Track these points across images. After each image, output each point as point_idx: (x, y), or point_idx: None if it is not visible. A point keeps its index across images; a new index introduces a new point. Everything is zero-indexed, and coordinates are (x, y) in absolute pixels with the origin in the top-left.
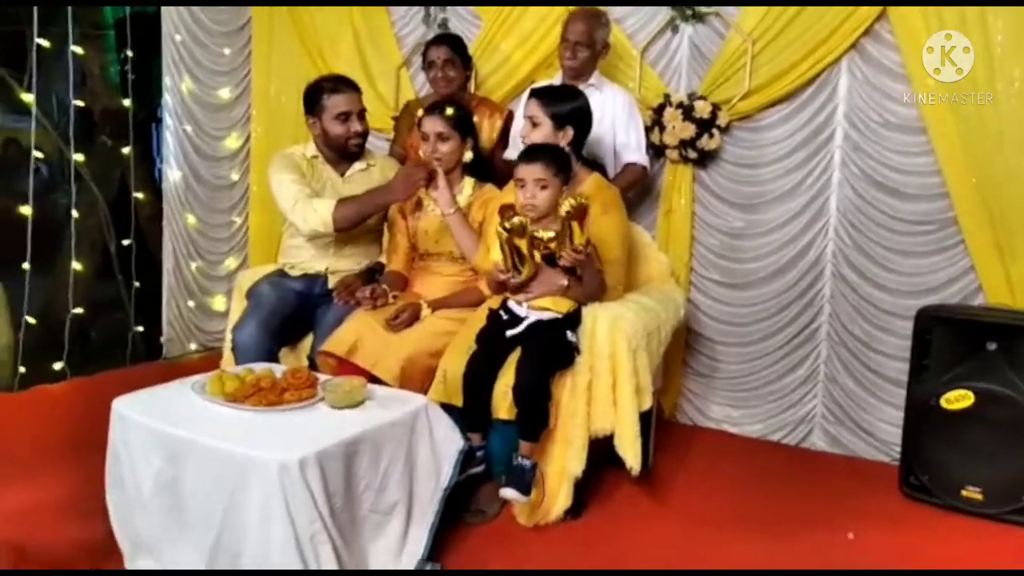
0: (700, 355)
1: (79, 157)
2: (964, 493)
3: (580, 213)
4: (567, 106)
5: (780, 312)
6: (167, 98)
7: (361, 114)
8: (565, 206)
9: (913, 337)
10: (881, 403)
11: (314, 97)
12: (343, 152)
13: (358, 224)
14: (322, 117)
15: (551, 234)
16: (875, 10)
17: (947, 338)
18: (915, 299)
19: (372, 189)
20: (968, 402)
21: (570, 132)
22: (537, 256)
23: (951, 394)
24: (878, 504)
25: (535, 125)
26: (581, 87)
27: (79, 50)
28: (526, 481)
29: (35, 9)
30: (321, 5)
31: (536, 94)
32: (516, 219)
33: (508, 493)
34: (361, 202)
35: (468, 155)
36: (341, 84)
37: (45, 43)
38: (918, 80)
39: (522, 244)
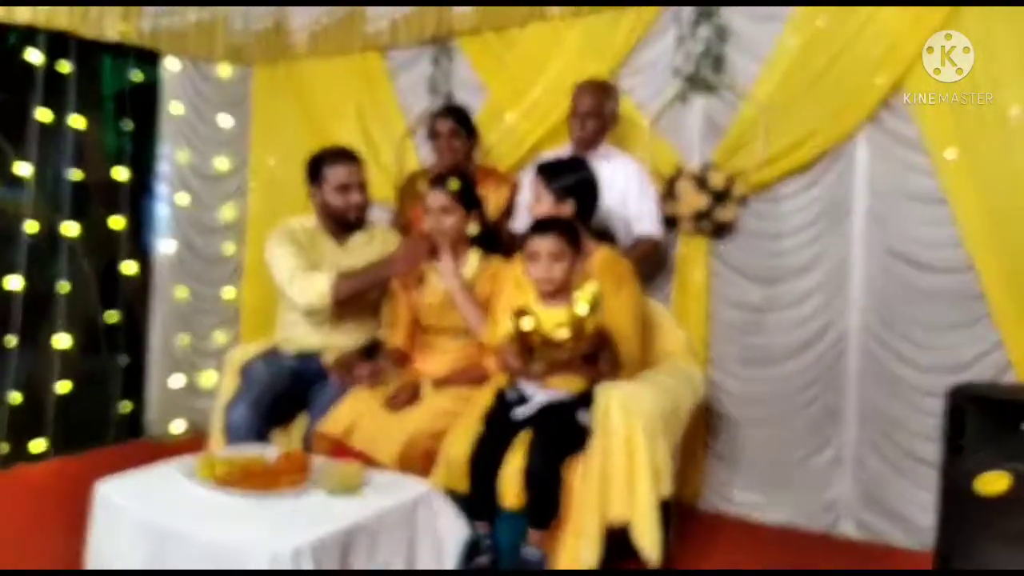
0: (721, 436)
1: (72, 229)
2: None
3: (596, 308)
4: (570, 179)
5: (804, 390)
6: (163, 168)
7: (361, 186)
8: (582, 306)
9: (946, 416)
10: (914, 486)
11: (315, 168)
12: (343, 223)
13: (356, 296)
14: (323, 188)
15: (566, 332)
16: (890, 81)
17: (980, 418)
18: (944, 376)
19: (373, 263)
20: (1005, 485)
21: (570, 205)
22: (553, 353)
23: (987, 477)
24: None
25: (537, 200)
26: (590, 158)
27: (78, 122)
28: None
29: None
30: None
31: (540, 168)
32: (525, 323)
33: None
34: (361, 276)
35: (473, 228)
36: (341, 156)
37: (46, 115)
38: (936, 151)
39: (535, 342)
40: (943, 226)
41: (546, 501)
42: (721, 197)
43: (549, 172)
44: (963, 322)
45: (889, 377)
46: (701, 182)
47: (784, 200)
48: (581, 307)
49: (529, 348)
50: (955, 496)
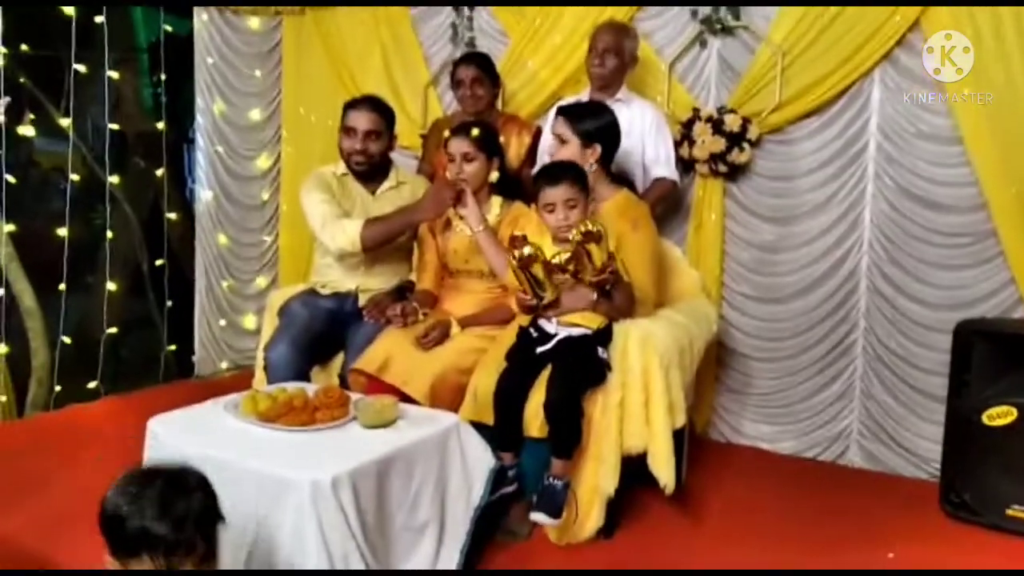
0: (733, 371)
1: (113, 179)
2: (1009, 512)
3: (593, 238)
4: (595, 123)
5: (814, 327)
6: (199, 120)
7: (368, 134)
8: (576, 234)
9: (952, 352)
10: (919, 419)
11: (343, 116)
12: (356, 172)
13: (386, 243)
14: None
15: (566, 255)
16: (908, 20)
17: (988, 352)
18: (953, 312)
19: (401, 208)
20: (1011, 418)
21: (598, 149)
22: (559, 278)
23: (993, 410)
24: (918, 523)
25: (563, 143)
26: (609, 102)
27: (114, 74)
28: (557, 503)
29: (72, 34)
30: (352, 5)
31: (563, 112)
32: (526, 249)
33: (538, 517)
34: (389, 221)
35: (494, 175)
36: (360, 102)
37: (81, 68)
38: (953, 89)
39: (537, 270)
40: (956, 166)
41: (568, 431)
42: (736, 139)
43: (575, 115)
44: (974, 261)
45: (898, 314)
46: (717, 125)
47: (799, 141)
48: (576, 235)
49: (536, 280)
50: (961, 428)
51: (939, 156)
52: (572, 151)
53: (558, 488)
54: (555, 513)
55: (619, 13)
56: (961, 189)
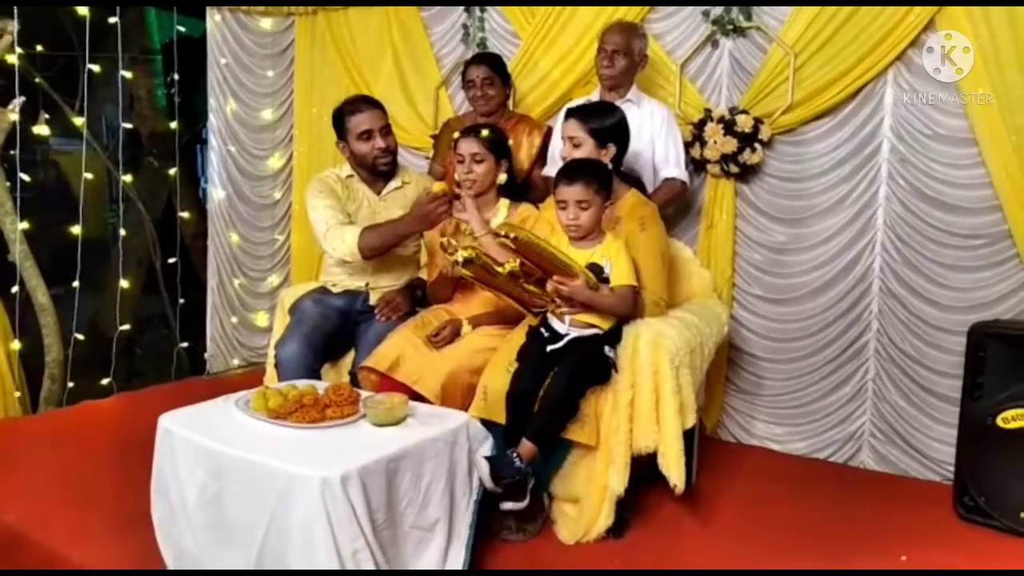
0: (743, 372)
1: (127, 178)
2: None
3: (517, 246)
4: (607, 122)
5: (826, 328)
6: (212, 119)
7: (384, 130)
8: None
9: (966, 354)
10: (932, 421)
11: (339, 121)
12: (374, 171)
13: (384, 253)
14: (348, 139)
15: (517, 262)
16: (922, 20)
17: (1002, 355)
18: (967, 315)
19: (394, 220)
20: None
21: (612, 149)
22: (530, 288)
23: (1008, 413)
24: (931, 526)
25: (576, 146)
26: (619, 103)
27: (128, 74)
28: (508, 472)
29: (87, 35)
30: (364, 5)
31: (574, 113)
32: (460, 253)
33: (507, 505)
34: (383, 232)
35: (503, 177)
36: (361, 103)
37: (96, 68)
38: (967, 90)
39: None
40: (970, 167)
41: (552, 421)
42: (748, 140)
43: (586, 116)
44: (988, 263)
45: (911, 316)
46: (729, 126)
47: (811, 142)
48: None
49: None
50: (975, 431)
51: (953, 157)
52: (587, 152)
53: (517, 465)
54: (504, 477)
55: (630, 13)
56: (975, 191)
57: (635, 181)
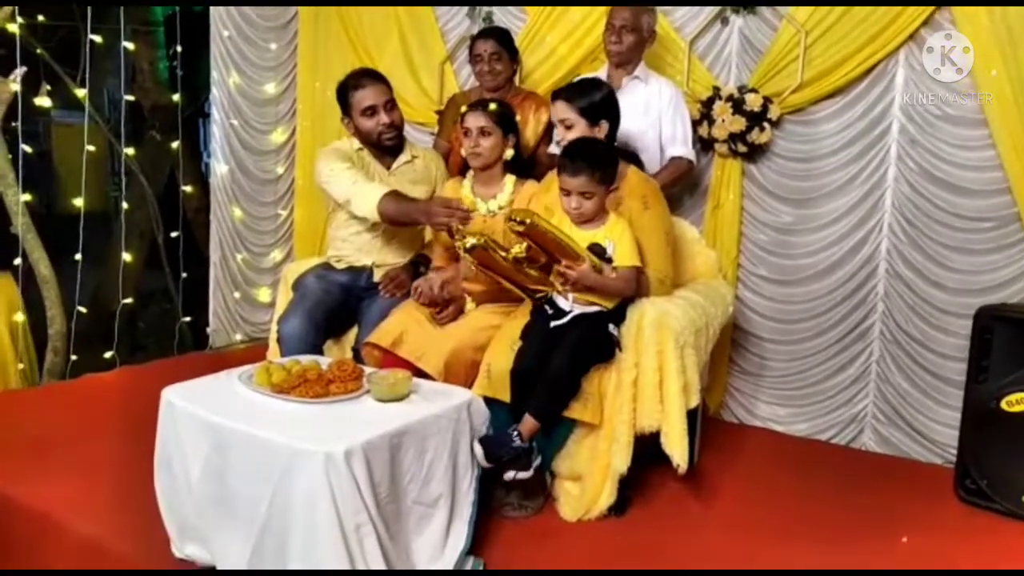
0: (747, 353)
1: (129, 151)
2: None
3: (528, 230)
4: (596, 98)
5: (831, 310)
6: (215, 93)
7: (388, 105)
8: (513, 226)
9: (972, 337)
10: (935, 404)
11: (342, 97)
12: (380, 146)
13: (395, 224)
14: (352, 115)
15: (524, 246)
16: None
17: (1008, 338)
18: (973, 298)
19: (412, 201)
20: None
21: (605, 126)
22: (532, 272)
23: (1012, 396)
24: (933, 508)
25: (569, 127)
26: (626, 80)
27: (130, 46)
28: (504, 449)
29: (89, 5)
30: (367, 5)
31: (561, 95)
32: (467, 240)
33: (509, 475)
34: (401, 207)
35: (509, 152)
36: (364, 78)
37: (98, 39)
38: (981, 71)
39: (497, 258)
40: (981, 149)
41: (554, 398)
42: (757, 119)
43: (574, 96)
44: (996, 246)
45: (917, 298)
46: (737, 104)
47: (820, 122)
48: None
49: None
50: (979, 414)
51: (963, 139)
52: (580, 133)
53: (515, 444)
54: (500, 456)
55: None
56: (985, 173)
57: (631, 156)
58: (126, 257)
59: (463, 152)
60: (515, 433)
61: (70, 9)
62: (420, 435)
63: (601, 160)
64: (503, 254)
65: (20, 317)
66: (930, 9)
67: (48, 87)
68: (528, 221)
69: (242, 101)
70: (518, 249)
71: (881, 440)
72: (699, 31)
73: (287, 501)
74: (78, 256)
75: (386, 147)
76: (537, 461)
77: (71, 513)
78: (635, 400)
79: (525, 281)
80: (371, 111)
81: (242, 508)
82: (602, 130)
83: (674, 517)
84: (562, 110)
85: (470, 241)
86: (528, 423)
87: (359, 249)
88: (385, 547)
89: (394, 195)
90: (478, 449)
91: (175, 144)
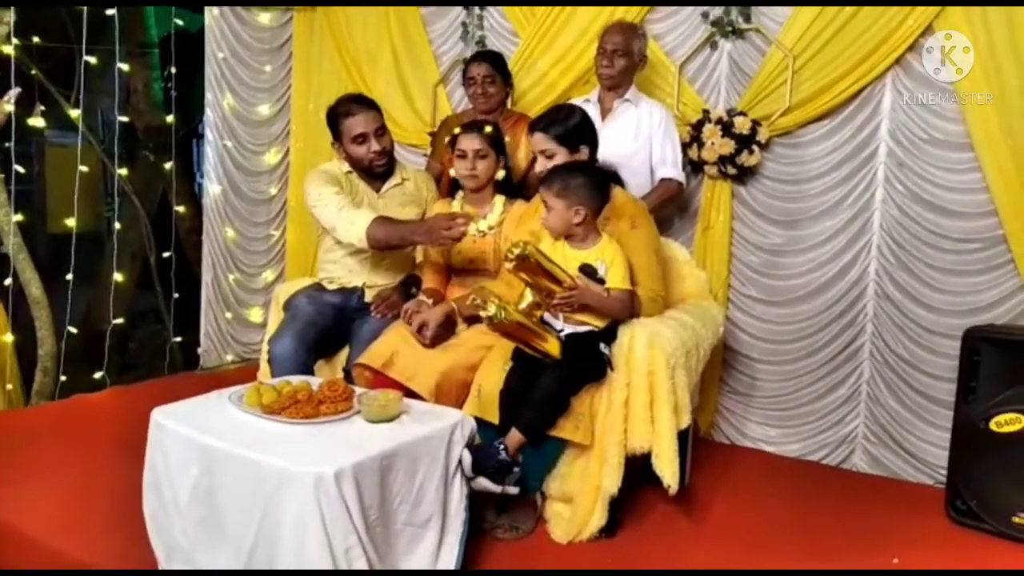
0: (738, 373)
1: (122, 171)
2: (1016, 519)
3: (524, 265)
4: (571, 124)
5: (821, 331)
6: (209, 114)
7: (378, 132)
8: (508, 265)
9: (961, 358)
10: (926, 424)
11: (333, 123)
12: (370, 172)
13: (389, 250)
14: (343, 142)
15: (529, 298)
16: (921, 23)
17: (996, 359)
18: (961, 319)
19: (405, 222)
20: (1020, 425)
21: (585, 151)
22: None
23: (1001, 417)
24: (924, 528)
25: (549, 157)
26: (617, 102)
27: (125, 67)
28: (491, 462)
29: (84, 27)
30: (363, 5)
31: (537, 127)
32: (491, 307)
33: (481, 482)
34: (392, 231)
35: (500, 173)
36: (354, 105)
37: (93, 60)
38: (965, 94)
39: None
40: (967, 171)
41: (542, 416)
42: (746, 142)
43: (551, 126)
44: (984, 267)
45: (906, 319)
46: (727, 127)
47: (808, 145)
48: (507, 265)
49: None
50: (969, 435)
51: (950, 161)
52: (562, 160)
53: (500, 457)
54: (486, 468)
55: (630, 14)
56: (971, 195)
57: (612, 175)
58: (118, 277)
59: (453, 173)
60: (501, 447)
61: (66, 31)
62: (411, 456)
63: (582, 183)
64: (521, 308)
65: (8, 338)
66: (917, 34)
67: (42, 108)
68: (521, 253)
69: (236, 122)
70: (529, 298)
71: (872, 460)
72: (689, 55)
73: (276, 523)
74: (69, 276)
75: (375, 173)
76: (513, 479)
77: (59, 534)
78: (626, 421)
79: (537, 338)
80: (362, 138)
81: (231, 530)
82: (583, 155)
83: (665, 538)
84: (541, 141)
85: (492, 308)
86: (514, 437)
87: (349, 270)
88: (375, 569)
89: (384, 220)
90: (467, 457)
91: (168, 165)
